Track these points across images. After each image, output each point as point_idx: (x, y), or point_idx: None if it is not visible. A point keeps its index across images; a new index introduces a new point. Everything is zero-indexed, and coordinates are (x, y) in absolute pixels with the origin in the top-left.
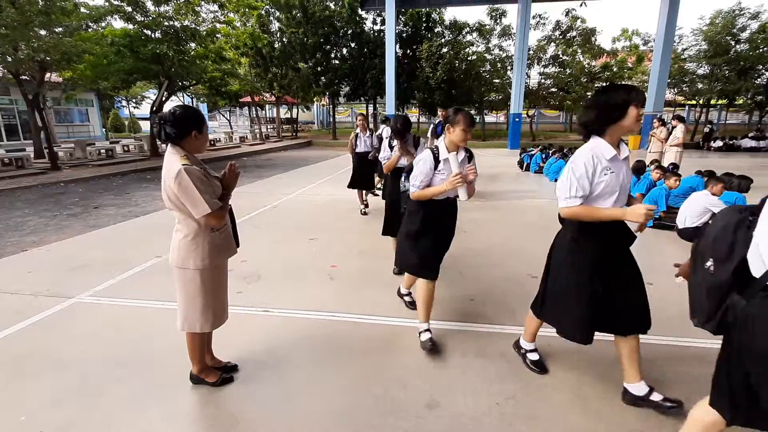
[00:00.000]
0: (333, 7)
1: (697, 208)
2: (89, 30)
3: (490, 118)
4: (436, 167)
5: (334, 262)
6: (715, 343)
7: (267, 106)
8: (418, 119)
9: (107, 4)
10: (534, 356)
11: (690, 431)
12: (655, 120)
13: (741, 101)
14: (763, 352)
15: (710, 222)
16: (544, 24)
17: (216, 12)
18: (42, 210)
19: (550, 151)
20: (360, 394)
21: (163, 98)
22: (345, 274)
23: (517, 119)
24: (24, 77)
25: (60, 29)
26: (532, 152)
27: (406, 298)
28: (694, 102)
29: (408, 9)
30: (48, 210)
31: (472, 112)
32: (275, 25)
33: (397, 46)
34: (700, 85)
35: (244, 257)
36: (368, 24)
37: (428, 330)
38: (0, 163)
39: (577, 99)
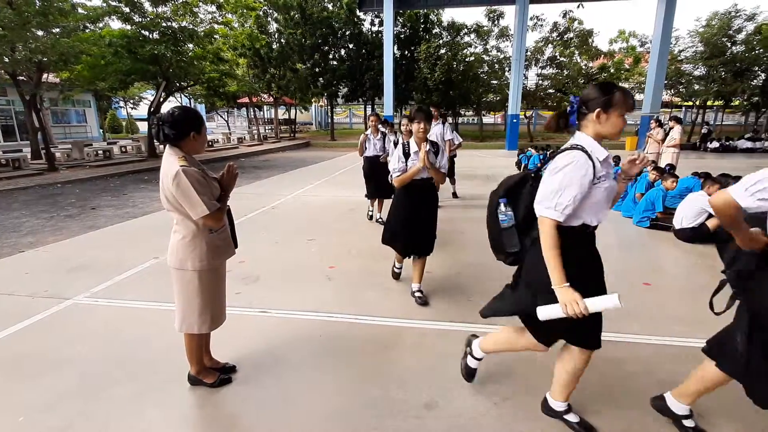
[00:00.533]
0: (331, 8)
1: (694, 208)
2: (87, 31)
3: (488, 119)
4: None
5: (333, 263)
6: None
7: (265, 107)
8: None
9: (105, 4)
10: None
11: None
12: (652, 121)
13: (737, 102)
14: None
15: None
16: (541, 25)
17: (214, 13)
18: (39, 211)
19: (548, 152)
20: (358, 395)
21: (161, 99)
22: (343, 275)
23: (514, 120)
24: (21, 78)
25: (57, 30)
26: (530, 153)
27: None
28: (690, 103)
29: (406, 10)
30: (45, 211)
31: (470, 113)
32: (273, 26)
33: (395, 47)
34: (696, 87)
35: (243, 258)
36: (366, 25)
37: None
38: None
39: None
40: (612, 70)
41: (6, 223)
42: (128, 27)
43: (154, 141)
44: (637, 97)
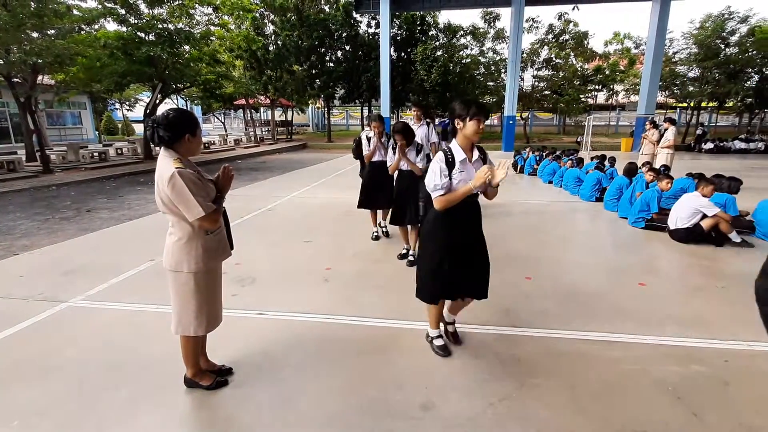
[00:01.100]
0: (327, 10)
1: (688, 209)
2: (82, 32)
3: None
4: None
5: (329, 265)
6: (709, 343)
7: (262, 109)
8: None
9: (100, 6)
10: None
11: None
12: (647, 123)
13: (731, 104)
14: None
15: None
16: (537, 27)
17: (210, 15)
18: (34, 213)
19: (544, 153)
20: (355, 396)
21: (157, 101)
22: (340, 277)
23: (510, 122)
24: (16, 80)
25: (52, 32)
26: (526, 155)
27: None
28: (685, 104)
29: (402, 12)
30: (40, 213)
31: None
32: (270, 28)
33: (392, 49)
34: (690, 88)
35: (239, 260)
36: (363, 27)
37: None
38: None
39: (571, 101)
40: (607, 72)
41: (0, 225)
42: (124, 29)
43: (150, 143)
44: (633, 98)
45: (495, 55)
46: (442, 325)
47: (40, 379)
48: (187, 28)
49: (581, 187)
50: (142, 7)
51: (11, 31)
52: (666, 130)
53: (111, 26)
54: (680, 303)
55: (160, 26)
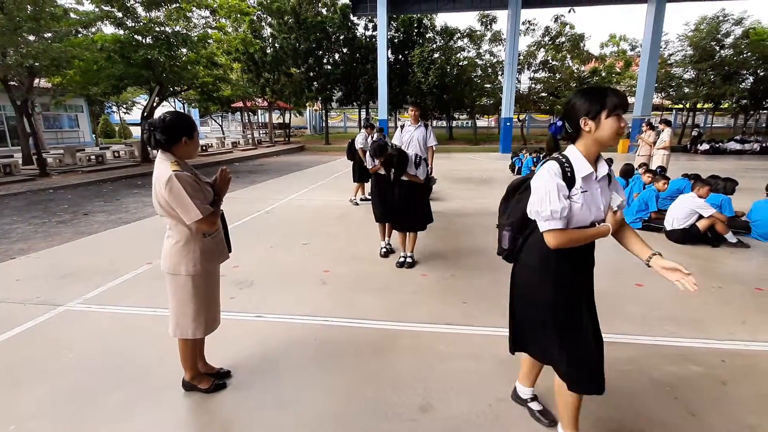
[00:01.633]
0: (325, 12)
1: (685, 210)
2: (79, 35)
3: (481, 122)
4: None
5: (327, 267)
6: (706, 342)
7: (259, 111)
8: None
9: (97, 9)
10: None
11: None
12: (643, 124)
13: (726, 105)
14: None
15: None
16: (533, 30)
17: (208, 17)
18: (30, 217)
19: (541, 155)
20: (353, 399)
21: (155, 104)
22: (338, 279)
23: (508, 123)
24: (12, 83)
25: (49, 35)
26: (523, 156)
27: None
28: (680, 106)
29: (399, 15)
30: (36, 217)
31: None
32: (267, 31)
33: (389, 52)
34: (686, 90)
35: (237, 263)
36: (360, 30)
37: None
38: None
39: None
40: (603, 74)
41: None
42: (121, 32)
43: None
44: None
45: (492, 58)
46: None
47: (37, 383)
48: (185, 31)
49: None
50: (140, 10)
51: (8, 34)
52: (661, 131)
53: (108, 29)
54: (677, 303)
55: (157, 29)
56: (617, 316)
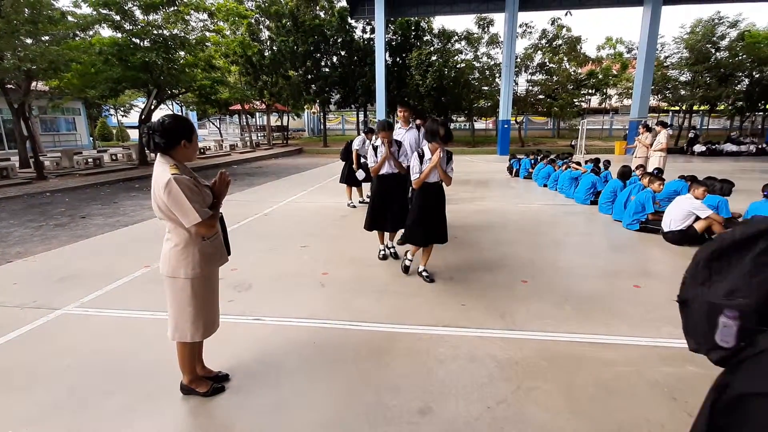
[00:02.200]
0: (323, 15)
1: (681, 211)
2: (77, 39)
3: (479, 124)
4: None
5: (325, 270)
6: None
7: (257, 114)
8: None
9: (95, 13)
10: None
11: None
12: (640, 126)
13: (722, 107)
14: None
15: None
16: (530, 32)
17: (206, 21)
18: (27, 220)
19: (539, 157)
20: (352, 402)
21: (152, 106)
22: (336, 282)
23: (505, 126)
24: (9, 86)
25: (47, 38)
26: (521, 158)
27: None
28: (677, 108)
29: (397, 18)
30: (33, 220)
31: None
32: (265, 34)
33: (387, 55)
34: (682, 92)
35: (235, 266)
36: (358, 32)
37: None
38: None
39: (564, 105)
40: (600, 76)
41: None
42: (119, 35)
43: (145, 149)
44: (626, 102)
45: (489, 60)
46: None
47: (34, 388)
48: (183, 34)
49: (576, 191)
50: (138, 13)
51: (5, 37)
52: (658, 133)
53: (106, 32)
54: (675, 304)
55: (155, 32)
56: (615, 318)
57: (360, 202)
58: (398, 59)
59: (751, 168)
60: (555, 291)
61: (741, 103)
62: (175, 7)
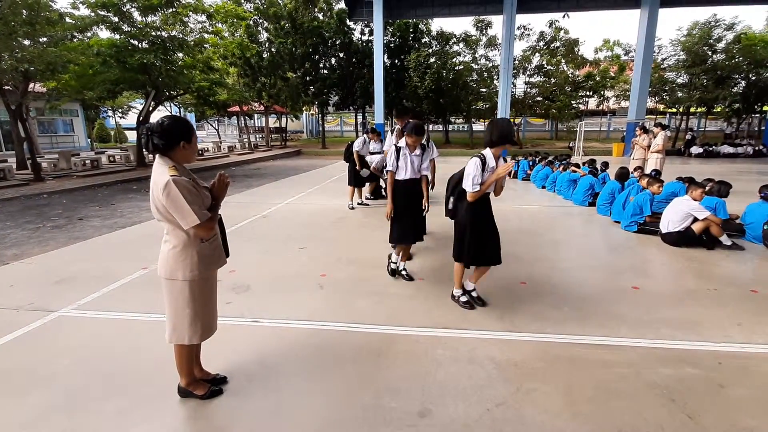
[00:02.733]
0: (321, 17)
1: (679, 213)
2: (75, 40)
3: (477, 126)
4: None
5: (324, 271)
6: (702, 345)
7: (256, 116)
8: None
9: (93, 14)
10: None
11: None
12: (637, 128)
13: (719, 109)
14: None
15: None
16: (528, 35)
17: (204, 22)
18: (24, 222)
19: (537, 159)
20: (351, 405)
21: (150, 108)
22: (335, 283)
23: None
24: (7, 87)
25: (45, 39)
26: (519, 159)
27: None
28: (674, 110)
29: (395, 20)
30: (30, 222)
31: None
32: (264, 35)
33: (386, 56)
34: (679, 94)
35: (233, 267)
36: (356, 34)
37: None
38: None
39: (562, 107)
40: (598, 78)
41: None
42: (117, 36)
43: (144, 150)
44: (623, 104)
45: (487, 62)
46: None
47: (31, 391)
48: (181, 36)
49: (574, 192)
50: (136, 14)
51: (3, 38)
52: (656, 135)
53: (104, 34)
54: (673, 306)
55: (153, 34)
56: (613, 319)
57: (359, 203)
58: (396, 61)
59: (748, 170)
60: (554, 292)
61: (738, 105)
62: (174, 9)
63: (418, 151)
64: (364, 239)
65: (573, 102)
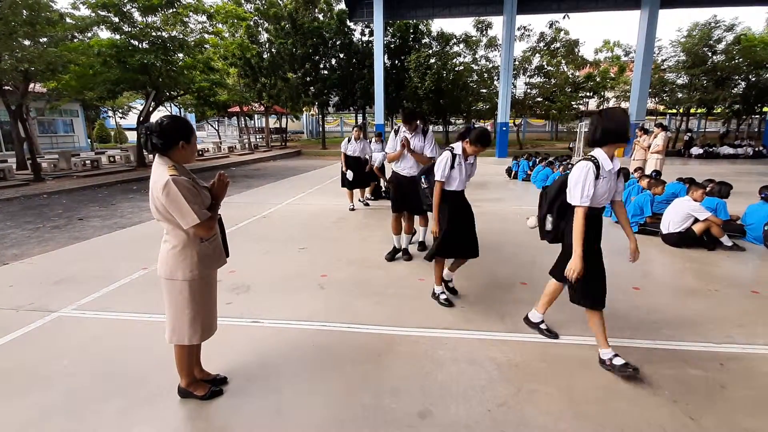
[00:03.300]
0: (322, 18)
1: (680, 213)
2: (75, 40)
3: None
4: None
5: (324, 272)
6: (701, 345)
7: (256, 116)
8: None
9: (94, 14)
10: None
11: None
12: (637, 129)
13: (719, 110)
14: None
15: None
16: (528, 35)
17: (204, 23)
18: (24, 222)
19: (536, 159)
20: (351, 405)
21: (151, 108)
22: (335, 284)
23: (504, 128)
24: (7, 87)
25: (45, 39)
26: (519, 159)
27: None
28: (674, 111)
29: (396, 20)
30: (30, 222)
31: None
32: (264, 36)
33: (386, 57)
34: (679, 95)
35: (233, 268)
36: (357, 35)
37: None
38: None
39: (562, 108)
40: (598, 79)
41: None
42: (117, 36)
43: (144, 150)
44: (623, 105)
45: (488, 63)
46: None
47: (30, 392)
48: (181, 36)
49: None
50: (136, 15)
51: (3, 38)
52: (656, 136)
53: (104, 34)
54: (674, 307)
55: (153, 34)
56: (614, 320)
57: (360, 200)
58: (397, 62)
59: (748, 171)
60: None
61: (738, 106)
62: (174, 9)
63: (471, 159)
64: (364, 240)
65: (573, 103)
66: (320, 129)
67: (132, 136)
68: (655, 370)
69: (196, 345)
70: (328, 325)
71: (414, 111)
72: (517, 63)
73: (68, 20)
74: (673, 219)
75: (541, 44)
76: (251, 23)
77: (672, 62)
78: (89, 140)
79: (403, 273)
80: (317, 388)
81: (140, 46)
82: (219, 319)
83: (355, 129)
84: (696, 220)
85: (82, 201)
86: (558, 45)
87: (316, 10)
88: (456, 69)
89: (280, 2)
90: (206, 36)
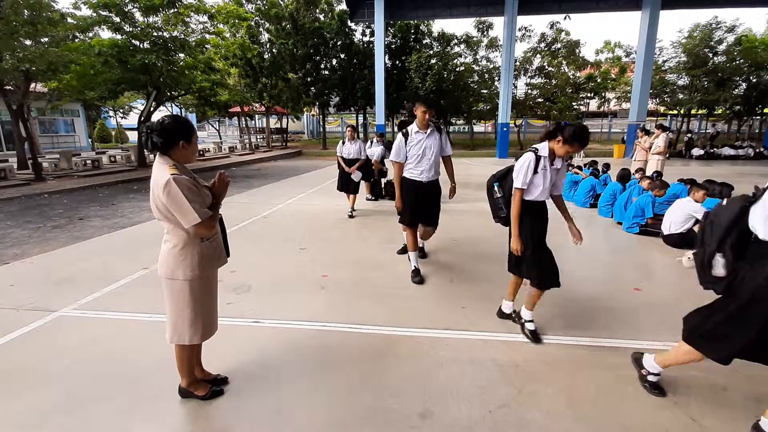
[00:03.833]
0: (323, 18)
1: (681, 214)
2: (76, 40)
3: (478, 127)
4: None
5: (325, 272)
6: None
7: (256, 116)
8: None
9: (95, 14)
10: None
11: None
12: (638, 130)
13: (720, 111)
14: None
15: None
16: (529, 36)
17: (205, 23)
18: (25, 222)
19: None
20: (352, 405)
21: (152, 108)
22: (336, 284)
23: (504, 129)
24: (8, 87)
25: (46, 39)
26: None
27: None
28: (675, 112)
29: (396, 21)
30: (31, 222)
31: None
32: (265, 36)
33: (386, 57)
34: (680, 96)
35: (234, 267)
36: (357, 35)
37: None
38: None
39: (563, 109)
40: (599, 80)
41: None
42: (119, 36)
43: (144, 150)
44: (624, 105)
45: (488, 64)
46: None
47: (31, 391)
48: (183, 36)
49: (575, 194)
50: (137, 15)
51: (4, 38)
52: (657, 136)
53: (105, 34)
54: (675, 308)
55: (155, 34)
56: (615, 321)
57: (367, 199)
58: (398, 62)
59: (750, 172)
60: (556, 294)
61: (739, 107)
62: (175, 9)
63: (558, 164)
64: (365, 240)
65: (574, 103)
66: (321, 129)
67: (133, 136)
68: None
69: (196, 345)
70: (329, 325)
71: (419, 95)
72: (517, 63)
73: (69, 20)
74: (674, 220)
75: (542, 45)
76: (252, 23)
77: (673, 63)
78: (90, 140)
79: (404, 273)
80: (318, 388)
81: (141, 46)
82: (219, 319)
83: (348, 129)
84: (697, 221)
85: (82, 201)
86: (559, 46)
87: (317, 11)
88: (457, 69)
89: (281, 2)
90: (207, 36)
